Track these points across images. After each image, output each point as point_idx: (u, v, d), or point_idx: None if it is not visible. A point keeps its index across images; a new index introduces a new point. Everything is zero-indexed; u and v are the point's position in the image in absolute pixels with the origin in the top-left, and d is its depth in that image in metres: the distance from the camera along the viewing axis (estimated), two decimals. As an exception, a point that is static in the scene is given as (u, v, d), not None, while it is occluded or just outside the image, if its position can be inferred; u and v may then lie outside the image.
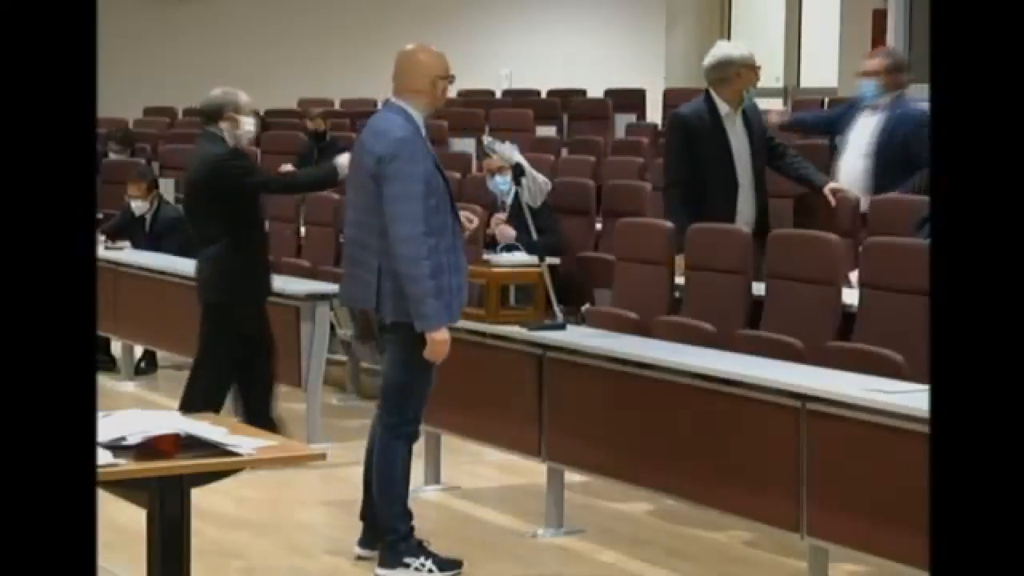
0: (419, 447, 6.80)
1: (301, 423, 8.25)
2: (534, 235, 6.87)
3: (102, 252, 9.68)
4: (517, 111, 14.33)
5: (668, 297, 7.37)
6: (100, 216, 10.33)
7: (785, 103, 16.29)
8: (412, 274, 5.76)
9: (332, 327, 8.66)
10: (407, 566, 5.97)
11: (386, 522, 6.01)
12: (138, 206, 10.32)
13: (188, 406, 7.15)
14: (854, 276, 6.79)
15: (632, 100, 15.31)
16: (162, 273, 9.60)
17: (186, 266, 9.63)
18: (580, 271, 9.10)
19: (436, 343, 5.83)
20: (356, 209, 6.05)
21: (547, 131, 14.19)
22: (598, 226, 9.49)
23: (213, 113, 7.55)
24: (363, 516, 6.23)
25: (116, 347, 10.22)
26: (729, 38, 17.10)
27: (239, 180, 7.41)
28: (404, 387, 6.00)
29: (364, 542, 6.21)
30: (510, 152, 7.15)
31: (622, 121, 14.37)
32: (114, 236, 10.26)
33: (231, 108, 7.50)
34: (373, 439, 6.13)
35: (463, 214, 6.19)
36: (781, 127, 8.59)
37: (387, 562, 6.01)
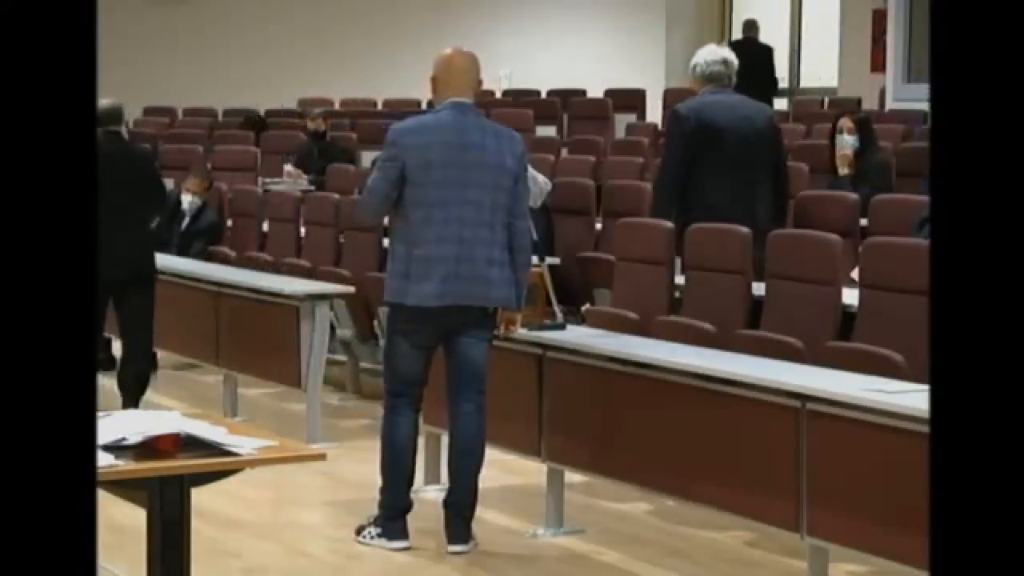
0: (420, 447, 6.80)
1: (301, 423, 8.24)
2: (535, 235, 6.87)
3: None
4: (517, 111, 14.34)
5: (668, 297, 7.37)
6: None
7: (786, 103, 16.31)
8: (528, 261, 6.35)
9: (332, 327, 8.66)
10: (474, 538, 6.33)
11: (472, 496, 6.29)
12: (190, 200, 10.63)
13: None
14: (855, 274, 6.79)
15: (632, 100, 15.33)
16: (162, 273, 9.59)
17: (185, 266, 9.66)
18: (580, 271, 9.10)
19: (517, 320, 6.38)
20: (470, 205, 6.18)
21: (547, 131, 14.20)
22: (598, 226, 9.48)
23: None
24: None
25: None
26: (729, 38, 17.12)
27: None
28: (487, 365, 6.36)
29: (457, 537, 6.32)
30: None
31: (622, 121, 14.39)
32: (167, 224, 10.49)
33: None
34: (463, 429, 6.30)
35: None
36: None
37: (465, 537, 6.29)
